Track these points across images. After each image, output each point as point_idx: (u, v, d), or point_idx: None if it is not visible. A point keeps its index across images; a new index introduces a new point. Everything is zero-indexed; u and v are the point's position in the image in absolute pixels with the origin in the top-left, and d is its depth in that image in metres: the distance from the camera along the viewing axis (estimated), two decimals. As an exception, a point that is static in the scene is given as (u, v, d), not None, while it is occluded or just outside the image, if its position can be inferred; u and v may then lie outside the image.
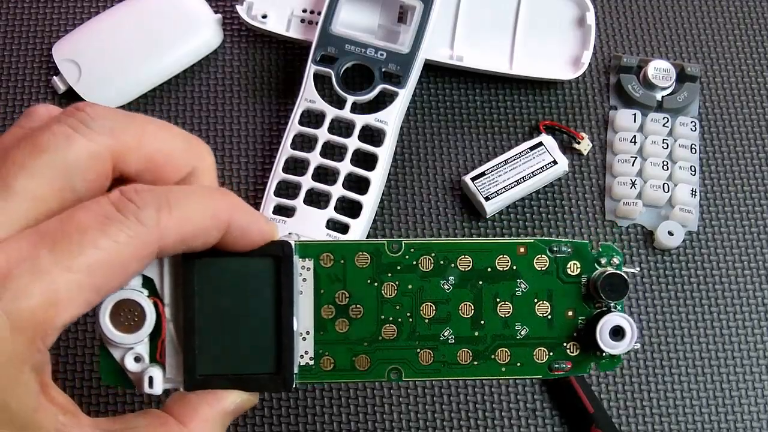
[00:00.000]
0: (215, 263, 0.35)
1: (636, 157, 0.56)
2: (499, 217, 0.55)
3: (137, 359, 0.35)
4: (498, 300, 0.38)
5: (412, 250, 0.38)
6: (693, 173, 0.56)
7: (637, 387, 0.51)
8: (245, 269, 0.36)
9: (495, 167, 0.55)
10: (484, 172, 0.55)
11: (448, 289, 0.38)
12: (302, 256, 0.37)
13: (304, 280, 0.37)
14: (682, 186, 0.55)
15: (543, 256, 0.38)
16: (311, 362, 0.37)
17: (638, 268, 0.53)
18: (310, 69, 0.55)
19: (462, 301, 0.38)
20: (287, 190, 0.53)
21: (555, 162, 0.55)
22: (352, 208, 0.53)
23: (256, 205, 0.53)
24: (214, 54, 0.58)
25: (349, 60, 0.55)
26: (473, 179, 0.54)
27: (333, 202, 0.52)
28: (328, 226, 0.52)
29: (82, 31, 0.57)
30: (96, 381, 0.50)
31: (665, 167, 0.55)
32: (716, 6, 0.61)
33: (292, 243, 0.36)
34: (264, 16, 0.57)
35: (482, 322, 0.38)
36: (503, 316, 0.38)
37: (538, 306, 0.38)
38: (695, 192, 0.55)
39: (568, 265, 0.38)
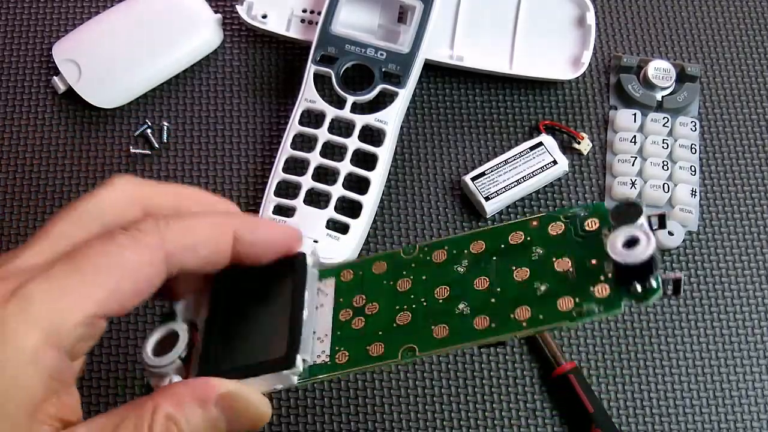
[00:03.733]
0: (237, 272, 0.37)
1: (636, 157, 0.56)
2: (499, 217, 0.55)
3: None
4: (513, 268, 0.36)
5: (426, 248, 0.38)
6: (693, 173, 0.56)
7: (637, 387, 0.51)
8: (264, 279, 0.37)
9: (495, 167, 0.55)
10: (484, 172, 0.55)
11: (462, 271, 0.37)
12: (323, 277, 0.38)
13: (326, 295, 0.38)
14: (682, 186, 0.55)
15: (557, 222, 0.36)
16: (327, 359, 0.37)
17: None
18: (310, 69, 0.55)
19: (476, 277, 0.36)
20: (287, 190, 0.53)
21: (555, 162, 0.55)
22: (352, 208, 0.53)
23: (256, 205, 0.53)
24: (214, 54, 0.58)
25: (349, 60, 0.55)
26: (473, 179, 0.54)
27: (333, 202, 0.52)
28: (328, 226, 0.52)
29: (82, 31, 0.57)
30: (96, 381, 0.50)
31: (665, 167, 0.55)
32: (716, 6, 0.61)
33: (308, 253, 0.38)
34: (264, 16, 0.57)
35: (498, 290, 0.36)
36: (520, 280, 0.36)
37: (558, 263, 0.35)
38: (695, 192, 0.55)
39: (586, 223, 0.36)
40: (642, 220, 0.34)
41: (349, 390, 0.50)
